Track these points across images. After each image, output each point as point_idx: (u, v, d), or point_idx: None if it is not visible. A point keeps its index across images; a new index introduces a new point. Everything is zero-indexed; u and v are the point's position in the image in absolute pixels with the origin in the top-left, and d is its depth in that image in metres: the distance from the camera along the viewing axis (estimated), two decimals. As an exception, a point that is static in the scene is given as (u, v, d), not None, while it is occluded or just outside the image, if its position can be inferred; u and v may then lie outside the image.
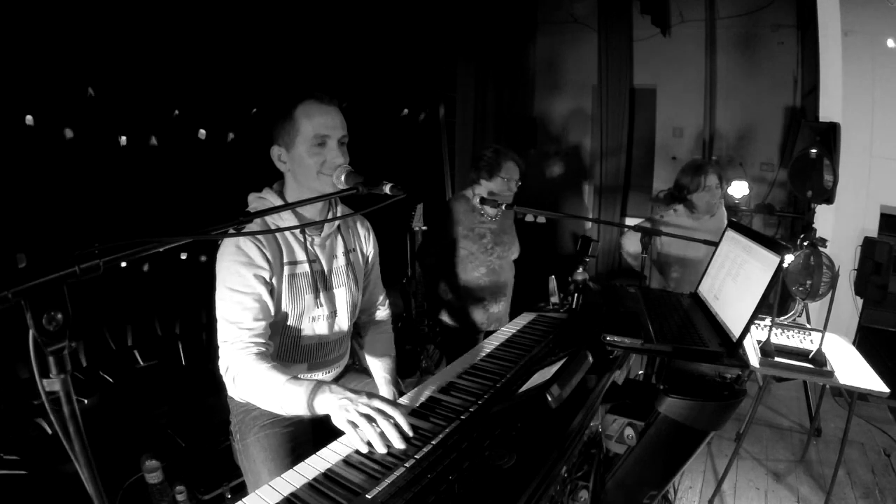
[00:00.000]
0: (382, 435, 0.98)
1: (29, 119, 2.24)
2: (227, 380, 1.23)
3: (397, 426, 0.99)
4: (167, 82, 2.71)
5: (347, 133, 1.32)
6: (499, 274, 2.39)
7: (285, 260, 1.32)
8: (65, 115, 2.38)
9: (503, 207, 2.17)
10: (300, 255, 1.35)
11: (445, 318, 2.42)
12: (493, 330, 1.95)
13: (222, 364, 1.23)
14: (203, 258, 2.98)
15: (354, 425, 0.99)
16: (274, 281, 1.29)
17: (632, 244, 2.70)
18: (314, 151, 1.27)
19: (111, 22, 2.42)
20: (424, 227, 3.20)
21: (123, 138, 2.61)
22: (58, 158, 2.39)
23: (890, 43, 3.29)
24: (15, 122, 2.21)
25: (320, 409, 1.06)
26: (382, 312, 1.68)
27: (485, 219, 2.34)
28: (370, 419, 0.99)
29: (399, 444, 0.97)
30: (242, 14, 2.93)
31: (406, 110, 4.38)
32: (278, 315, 1.32)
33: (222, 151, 3.02)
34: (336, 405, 1.03)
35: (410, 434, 1.00)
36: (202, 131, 2.91)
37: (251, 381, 1.16)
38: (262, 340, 1.23)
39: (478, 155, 2.36)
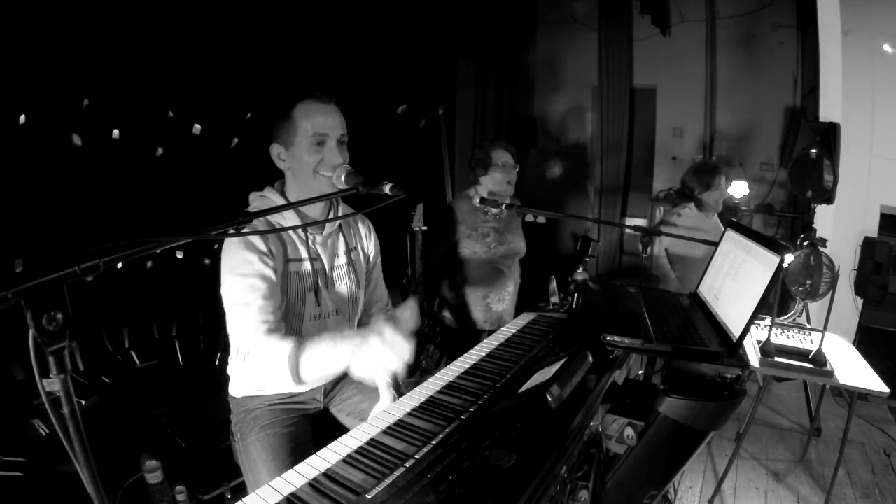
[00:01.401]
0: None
1: (22, 119, 2.23)
2: (236, 364, 1.21)
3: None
4: (165, 82, 2.71)
5: (347, 132, 1.33)
6: (503, 273, 2.38)
7: (288, 257, 1.33)
8: (64, 116, 2.38)
9: (503, 207, 2.16)
10: (302, 254, 1.35)
11: (448, 317, 2.42)
12: (495, 330, 1.95)
13: (233, 348, 1.22)
14: (207, 261, 2.98)
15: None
16: (278, 276, 1.29)
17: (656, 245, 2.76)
18: (313, 150, 1.27)
19: (111, 24, 2.42)
20: (424, 227, 3.19)
21: (115, 131, 2.60)
22: (57, 159, 2.38)
23: (887, 48, 3.29)
24: (14, 124, 2.21)
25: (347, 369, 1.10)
26: (386, 315, 1.67)
27: (488, 217, 2.34)
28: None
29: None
30: (244, 13, 2.93)
31: (403, 106, 4.35)
32: (282, 311, 1.32)
33: (222, 151, 3.02)
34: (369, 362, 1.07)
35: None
36: (197, 126, 2.90)
37: (263, 358, 1.16)
38: (273, 318, 1.22)
39: (470, 156, 2.38)
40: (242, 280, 1.21)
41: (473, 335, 2.42)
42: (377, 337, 1.06)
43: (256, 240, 1.25)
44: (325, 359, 1.14)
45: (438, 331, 2.52)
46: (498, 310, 2.40)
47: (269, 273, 1.25)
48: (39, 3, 2.17)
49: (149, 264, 2.79)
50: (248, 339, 1.18)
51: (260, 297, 1.21)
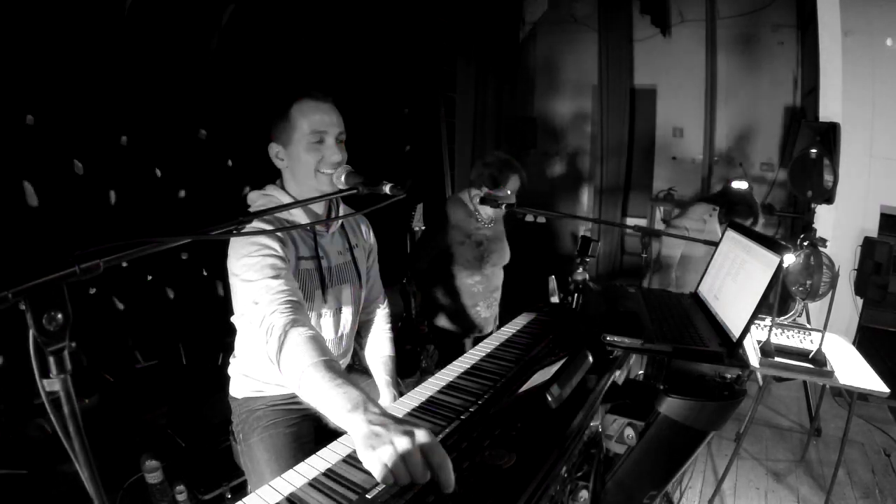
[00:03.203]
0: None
1: (29, 119, 2.24)
2: (269, 349, 1.04)
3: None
4: (166, 80, 2.71)
5: (345, 131, 1.33)
6: (491, 280, 2.39)
7: (299, 255, 1.33)
8: (63, 116, 2.38)
9: (503, 207, 2.14)
10: (309, 251, 1.36)
11: (441, 322, 2.42)
12: (485, 335, 1.94)
13: (260, 328, 1.07)
14: (205, 261, 2.98)
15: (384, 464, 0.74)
16: (291, 270, 1.27)
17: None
18: (312, 149, 1.28)
19: (111, 23, 2.42)
20: (424, 227, 3.20)
21: (124, 139, 2.60)
22: (57, 159, 2.38)
23: (889, 42, 3.28)
24: (14, 123, 2.21)
25: (343, 425, 0.84)
26: (382, 312, 1.68)
27: (481, 225, 2.32)
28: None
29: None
30: (246, 16, 2.92)
31: (406, 110, 4.37)
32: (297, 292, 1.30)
33: (221, 151, 3.01)
34: (364, 436, 0.77)
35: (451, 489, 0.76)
36: (203, 132, 2.91)
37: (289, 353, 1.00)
38: (289, 288, 1.13)
39: (484, 160, 2.29)
40: (250, 259, 1.16)
41: (465, 340, 2.44)
42: (409, 434, 0.75)
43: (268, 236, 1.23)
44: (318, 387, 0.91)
45: (438, 332, 2.53)
46: (486, 315, 2.42)
47: (280, 252, 1.21)
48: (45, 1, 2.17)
49: (148, 265, 2.79)
50: (273, 325, 1.05)
51: (272, 273, 1.15)
